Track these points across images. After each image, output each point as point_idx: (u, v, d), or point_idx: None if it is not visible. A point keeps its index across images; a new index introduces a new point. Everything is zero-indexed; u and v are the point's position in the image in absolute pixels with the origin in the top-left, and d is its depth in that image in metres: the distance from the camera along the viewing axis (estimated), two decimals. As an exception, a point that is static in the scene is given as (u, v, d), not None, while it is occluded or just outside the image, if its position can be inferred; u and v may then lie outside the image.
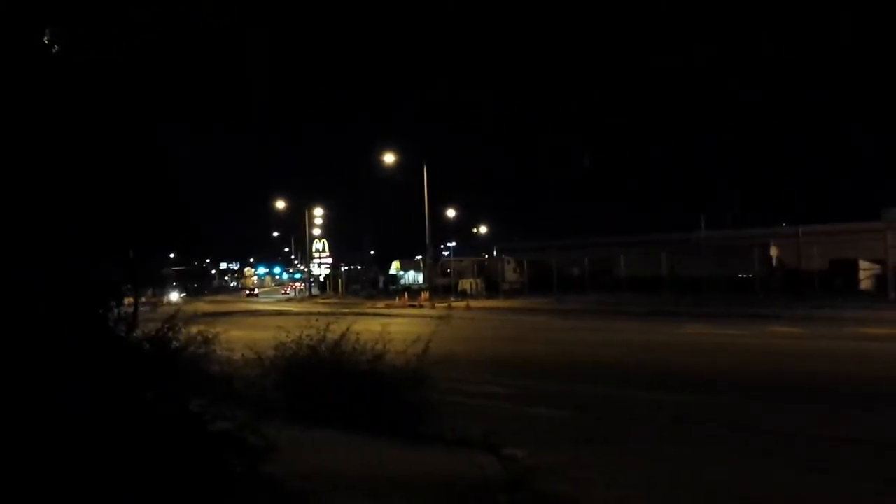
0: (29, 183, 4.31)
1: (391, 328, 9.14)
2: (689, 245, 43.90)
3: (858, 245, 37.63)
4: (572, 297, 38.65)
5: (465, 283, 49.51)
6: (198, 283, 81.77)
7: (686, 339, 19.10)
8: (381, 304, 42.40)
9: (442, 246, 69.58)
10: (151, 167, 5.43)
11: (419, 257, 57.55)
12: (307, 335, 8.17)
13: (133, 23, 4.91)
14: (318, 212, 69.05)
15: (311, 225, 68.24)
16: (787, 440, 7.84)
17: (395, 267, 61.90)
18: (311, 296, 61.91)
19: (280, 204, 72.21)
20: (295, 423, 7.03)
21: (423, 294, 44.77)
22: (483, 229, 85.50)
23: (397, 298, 44.81)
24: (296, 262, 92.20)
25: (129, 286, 5.23)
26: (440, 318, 9.57)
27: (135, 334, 5.12)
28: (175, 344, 6.18)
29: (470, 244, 76.22)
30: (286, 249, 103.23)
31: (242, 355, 8.34)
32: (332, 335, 8.18)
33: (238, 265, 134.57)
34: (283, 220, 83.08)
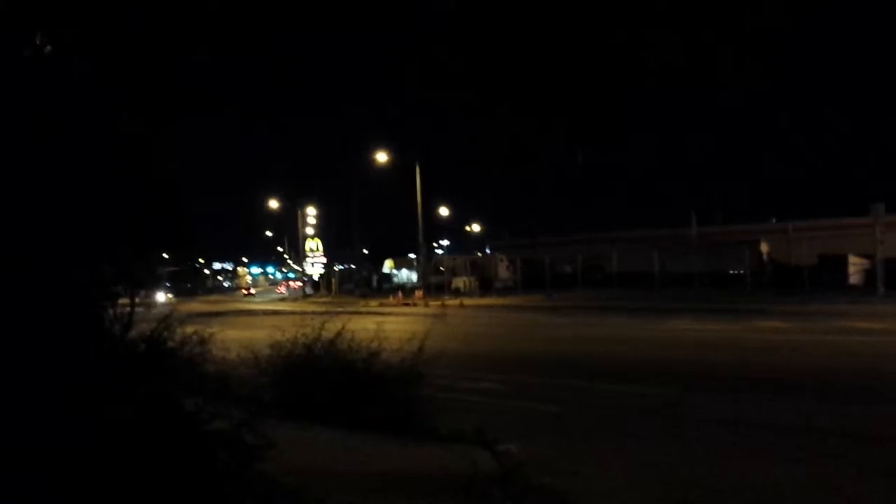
0: (21, 184, 4.33)
1: (385, 326, 9.22)
2: (679, 241, 44.08)
3: (848, 240, 37.91)
4: (565, 294, 38.83)
5: (459, 282, 49.61)
6: (191, 284, 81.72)
7: (675, 334, 19.25)
8: (374, 302, 42.45)
9: (435, 244, 69.73)
10: (145, 167, 5.46)
11: (412, 256, 57.60)
12: (302, 334, 8.23)
13: (126, 24, 4.94)
14: (311, 211, 69.06)
15: (305, 224, 68.23)
16: (776, 433, 7.95)
17: (388, 265, 61.93)
18: (305, 295, 61.85)
19: (273, 204, 72.17)
20: (290, 421, 7.09)
21: (416, 292, 44.84)
22: (476, 227, 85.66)
23: (391, 297, 44.85)
24: (289, 261, 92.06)
25: (122, 287, 5.27)
26: (434, 316, 9.68)
27: (130, 335, 5.16)
28: (170, 344, 6.22)
29: (463, 242, 76.37)
30: (279, 249, 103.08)
31: (238, 354, 8.39)
32: (328, 334, 8.24)
33: (232, 265, 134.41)
34: (276, 220, 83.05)
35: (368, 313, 28.53)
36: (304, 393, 7.78)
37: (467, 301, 39.24)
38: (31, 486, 3.80)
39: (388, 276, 60.35)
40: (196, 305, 38.41)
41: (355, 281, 64.64)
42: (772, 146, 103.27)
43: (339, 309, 21.33)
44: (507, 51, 5.72)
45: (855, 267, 37.25)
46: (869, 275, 35.30)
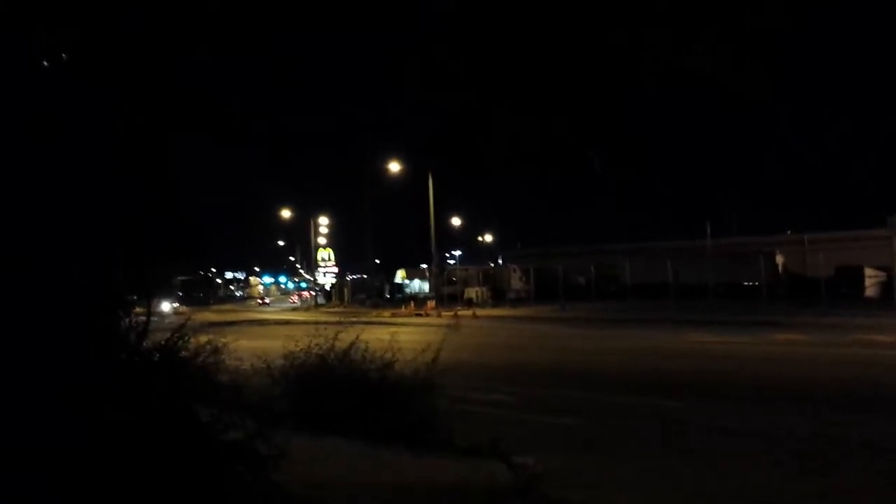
0: (21, 183, 4.31)
1: (399, 337, 9.18)
2: (694, 252, 43.84)
3: (864, 252, 37.60)
4: (578, 305, 38.64)
5: (471, 292, 49.51)
6: (204, 293, 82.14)
7: (690, 346, 19.10)
8: (387, 312, 42.41)
9: (447, 254, 69.71)
10: (145, 168, 5.44)
11: (425, 266, 57.58)
12: (316, 344, 8.20)
13: (126, 24, 4.93)
14: (324, 221, 69.21)
15: (317, 234, 68.40)
16: (795, 446, 7.85)
17: (400, 276, 61.95)
18: (317, 305, 61.95)
19: (285, 213, 72.38)
20: (304, 432, 7.04)
21: (428, 303, 44.76)
22: (488, 237, 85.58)
23: (403, 307, 44.81)
24: (301, 271, 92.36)
25: (135, 297, 5.26)
26: (448, 326, 9.63)
27: (145, 344, 5.14)
28: (184, 353, 6.20)
29: (475, 252, 76.32)
30: (291, 258, 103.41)
31: (251, 364, 8.36)
32: (341, 344, 8.21)
33: (244, 274, 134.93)
34: (289, 230, 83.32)
35: (381, 323, 28.51)
36: (317, 403, 7.73)
37: (480, 311, 39.14)
38: (48, 498, 3.78)
39: (401, 287, 60.35)
40: (209, 315, 38.49)
41: (367, 291, 64.67)
42: (788, 157, 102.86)
43: (352, 319, 21.34)
44: (507, 51, 5.69)
45: (871, 279, 36.93)
46: (885, 287, 34.97)
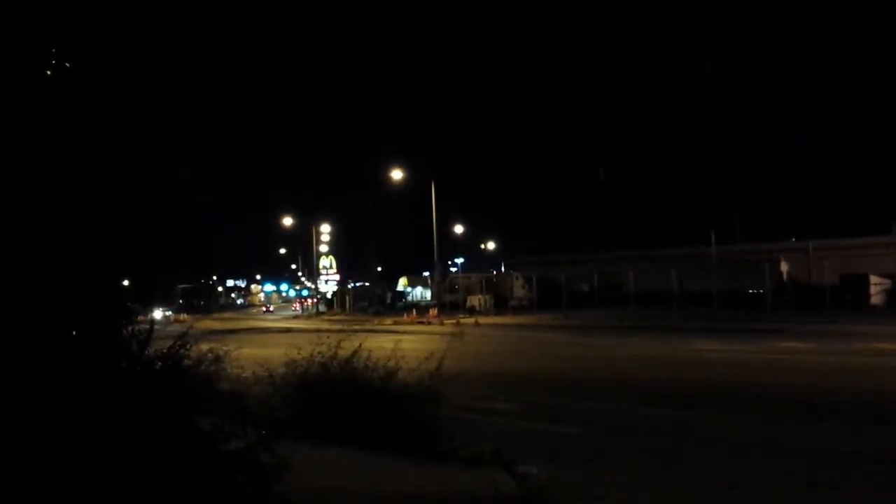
0: (20, 183, 4.28)
1: (401, 345, 9.13)
2: (698, 260, 43.75)
3: (868, 260, 37.51)
4: (581, 313, 38.55)
5: (474, 300, 49.45)
6: (205, 301, 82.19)
7: (694, 354, 19.01)
8: (388, 320, 42.35)
9: (449, 262, 69.62)
10: (145, 168, 5.41)
11: (427, 273, 57.59)
12: (318, 352, 8.14)
13: (126, 24, 4.91)
14: (325, 228, 69.20)
15: (318, 241, 68.38)
16: (804, 457, 7.79)
17: (402, 283, 61.97)
18: (318, 312, 61.90)
19: (287, 221, 72.41)
20: (306, 441, 6.97)
21: (431, 310, 44.72)
22: (491, 245, 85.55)
23: (405, 315, 44.76)
24: (303, 278, 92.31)
25: (137, 305, 5.22)
26: (451, 334, 9.57)
27: (147, 352, 5.10)
28: (186, 362, 6.15)
29: (478, 260, 76.24)
30: (293, 266, 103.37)
31: (253, 372, 8.30)
32: (343, 352, 8.15)
33: (245, 282, 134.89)
34: (290, 237, 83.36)
35: (383, 331, 28.46)
36: (319, 412, 7.67)
37: (482, 319, 39.06)
38: (32, 487, 3.73)
39: (403, 294, 60.35)
40: (211, 323, 38.45)
41: (369, 298, 64.65)
42: (792, 164, 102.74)
43: (355, 327, 21.31)
44: (506, 51, 5.68)
45: (876, 287, 36.82)
46: (890, 295, 34.88)
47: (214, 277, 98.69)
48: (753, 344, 20.72)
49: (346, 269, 72.93)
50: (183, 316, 47.47)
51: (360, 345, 8.31)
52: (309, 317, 58.14)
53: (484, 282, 53.99)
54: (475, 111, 6.24)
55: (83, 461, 3.94)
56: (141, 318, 5.23)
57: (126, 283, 5.96)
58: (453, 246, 72.35)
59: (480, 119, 6.27)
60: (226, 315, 69.35)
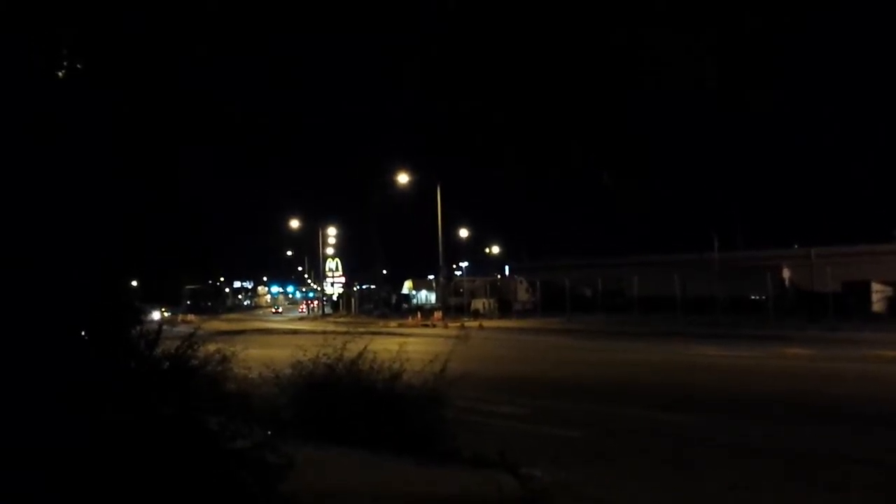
0: (20, 183, 4.32)
1: (406, 347, 9.19)
2: (701, 266, 43.69)
3: (871, 267, 37.42)
4: (585, 318, 38.56)
5: (478, 303, 49.45)
6: (212, 303, 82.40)
7: (696, 360, 18.99)
8: (393, 323, 42.39)
9: (454, 265, 69.56)
10: (159, 177, 5.46)
11: (432, 277, 57.58)
12: (324, 354, 8.22)
13: (126, 24, 4.95)
14: (332, 231, 69.25)
15: (325, 244, 68.42)
16: (809, 463, 7.82)
17: (407, 286, 61.94)
18: (324, 314, 61.94)
19: (294, 223, 72.48)
20: (311, 442, 7.05)
21: (435, 313, 44.72)
22: (496, 249, 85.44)
23: (410, 318, 44.75)
24: (309, 280, 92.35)
25: (144, 305, 5.28)
26: (456, 337, 9.62)
27: (155, 352, 5.17)
28: (194, 362, 6.23)
29: (482, 264, 76.14)
30: (299, 268, 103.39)
31: (259, 373, 8.39)
32: (349, 354, 8.23)
33: (252, 284, 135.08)
34: (297, 240, 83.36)
35: (388, 334, 28.48)
36: (325, 413, 7.75)
37: (486, 323, 39.07)
38: (32, 487, 3.78)
39: (408, 297, 60.33)
40: (218, 324, 38.56)
41: (374, 301, 64.66)
42: (795, 170, 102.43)
43: (360, 329, 21.33)
44: (507, 51, 5.73)
45: (878, 294, 36.73)
46: (892, 302, 34.78)
47: (222, 279, 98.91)
48: (755, 350, 20.71)
49: (352, 272, 73.00)
50: (190, 316, 47.62)
51: (366, 347, 8.39)
52: (315, 318, 58.17)
53: (488, 286, 54.00)
54: (475, 111, 6.29)
55: (83, 461, 3.98)
56: (147, 313, 5.28)
57: (135, 283, 6.03)
58: (458, 249, 72.27)
59: (481, 119, 6.33)
60: (233, 316, 69.43)
